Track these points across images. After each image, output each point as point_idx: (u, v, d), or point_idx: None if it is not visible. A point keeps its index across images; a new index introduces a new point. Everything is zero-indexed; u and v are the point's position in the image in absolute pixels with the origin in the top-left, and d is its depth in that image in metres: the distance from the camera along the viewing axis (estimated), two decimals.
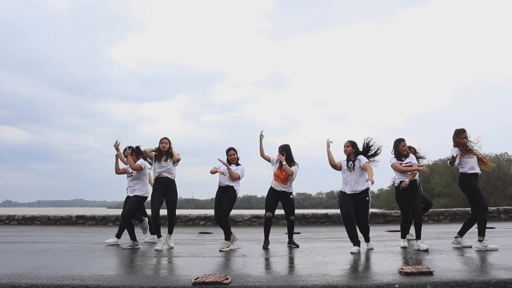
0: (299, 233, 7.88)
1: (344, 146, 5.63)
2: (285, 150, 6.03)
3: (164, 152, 5.78)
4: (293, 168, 5.94)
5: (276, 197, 6.00)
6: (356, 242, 5.31)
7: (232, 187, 5.79)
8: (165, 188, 5.76)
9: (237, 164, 5.93)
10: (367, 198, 5.45)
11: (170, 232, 5.94)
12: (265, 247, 5.84)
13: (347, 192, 5.46)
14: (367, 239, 5.63)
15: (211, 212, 9.45)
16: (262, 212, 8.71)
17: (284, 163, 5.88)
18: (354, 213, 5.40)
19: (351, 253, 5.15)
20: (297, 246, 5.91)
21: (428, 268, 3.67)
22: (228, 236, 5.75)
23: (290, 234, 6.10)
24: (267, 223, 6.05)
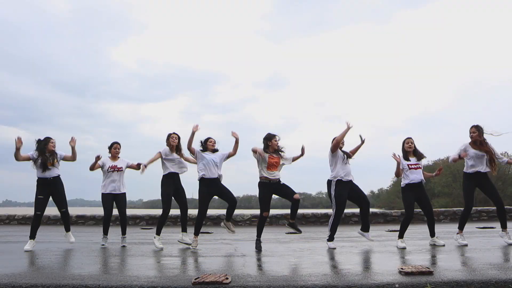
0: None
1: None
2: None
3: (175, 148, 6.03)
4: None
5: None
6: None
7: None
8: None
9: (215, 150, 5.88)
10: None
11: (183, 229, 6.24)
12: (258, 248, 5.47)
13: (344, 179, 5.72)
14: (366, 228, 5.88)
15: (211, 212, 9.45)
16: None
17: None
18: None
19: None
20: (299, 232, 5.78)
21: (428, 268, 3.67)
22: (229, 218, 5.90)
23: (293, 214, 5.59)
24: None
